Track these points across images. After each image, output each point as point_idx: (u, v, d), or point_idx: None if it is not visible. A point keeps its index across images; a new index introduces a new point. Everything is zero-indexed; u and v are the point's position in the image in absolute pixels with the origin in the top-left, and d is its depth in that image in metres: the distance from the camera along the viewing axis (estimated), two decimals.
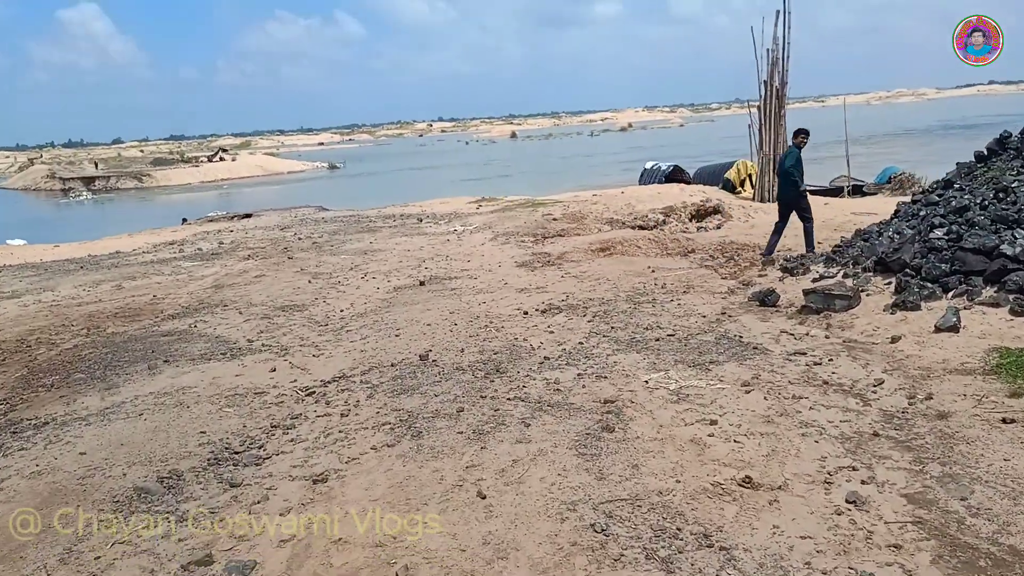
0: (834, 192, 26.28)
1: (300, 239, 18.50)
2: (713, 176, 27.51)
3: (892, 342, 6.63)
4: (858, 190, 26.47)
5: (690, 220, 18.23)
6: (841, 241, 9.88)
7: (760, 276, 9.85)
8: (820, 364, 6.36)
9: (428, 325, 8.89)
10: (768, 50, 23.00)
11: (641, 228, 17.30)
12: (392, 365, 7.36)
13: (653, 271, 11.17)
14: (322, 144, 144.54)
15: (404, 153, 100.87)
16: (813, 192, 23.44)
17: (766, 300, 8.34)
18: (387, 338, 8.50)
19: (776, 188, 12.12)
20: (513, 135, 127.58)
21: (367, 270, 13.28)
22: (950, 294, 7.08)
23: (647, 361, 6.83)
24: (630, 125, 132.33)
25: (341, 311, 10.24)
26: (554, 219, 18.47)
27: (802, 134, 11.15)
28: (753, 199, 23.02)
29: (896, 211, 9.83)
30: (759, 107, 23.58)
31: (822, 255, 9.71)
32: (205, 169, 67.31)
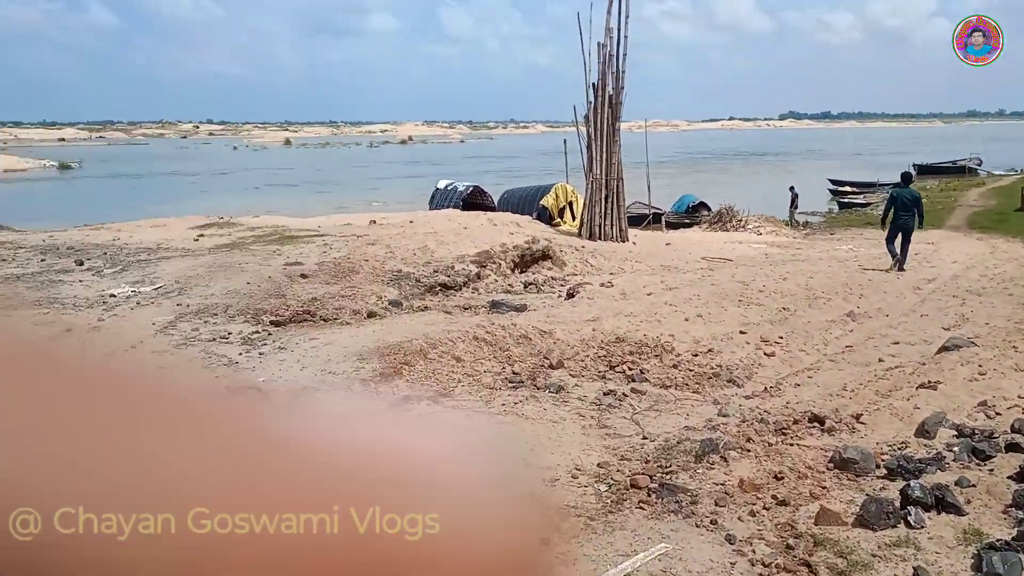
0: (636, 221, 21.53)
1: None
2: (524, 202, 21.02)
3: None
4: (658, 219, 23.05)
5: (513, 270, 11.80)
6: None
7: None
8: None
9: None
10: (599, 44, 16.79)
11: (447, 288, 10.40)
12: None
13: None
14: (63, 140, 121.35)
15: (160, 156, 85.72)
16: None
17: None
18: None
19: (895, 218, 11.97)
20: (287, 142, 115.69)
21: None
22: None
23: None
24: (410, 138, 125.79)
25: None
26: (303, 275, 10.40)
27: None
28: (580, 235, 16.80)
29: None
30: (588, 117, 17.31)
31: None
32: None
